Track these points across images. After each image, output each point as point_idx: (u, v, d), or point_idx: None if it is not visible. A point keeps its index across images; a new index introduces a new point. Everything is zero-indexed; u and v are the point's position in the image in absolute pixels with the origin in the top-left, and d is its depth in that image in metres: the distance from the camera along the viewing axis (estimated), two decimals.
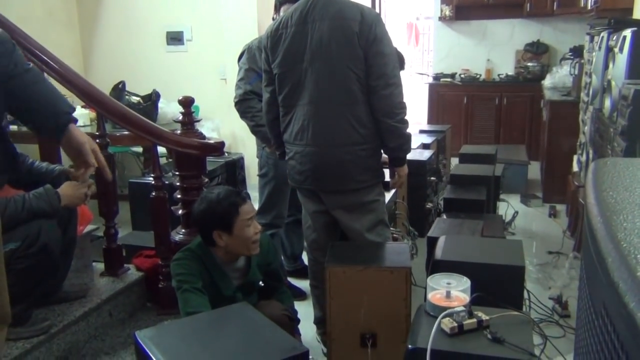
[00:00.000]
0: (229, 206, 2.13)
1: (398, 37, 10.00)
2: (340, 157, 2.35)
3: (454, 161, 5.02)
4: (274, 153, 2.83)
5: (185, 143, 2.59)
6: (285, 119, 2.47)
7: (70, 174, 2.18)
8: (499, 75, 6.93)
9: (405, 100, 2.39)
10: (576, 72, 4.92)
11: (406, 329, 2.09)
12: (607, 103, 2.92)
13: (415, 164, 3.86)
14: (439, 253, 2.18)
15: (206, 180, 2.74)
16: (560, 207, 4.72)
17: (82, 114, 4.39)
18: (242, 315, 1.78)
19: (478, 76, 6.95)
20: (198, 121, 2.78)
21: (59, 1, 5.34)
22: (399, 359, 1.62)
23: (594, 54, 3.63)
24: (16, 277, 1.90)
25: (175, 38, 5.37)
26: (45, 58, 2.54)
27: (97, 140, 2.61)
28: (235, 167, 4.29)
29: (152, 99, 4.65)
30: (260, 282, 2.40)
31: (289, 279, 3.30)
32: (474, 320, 1.62)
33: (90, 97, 2.60)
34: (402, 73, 2.56)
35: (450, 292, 1.76)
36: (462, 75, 6.95)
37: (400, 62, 3.07)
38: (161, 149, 2.89)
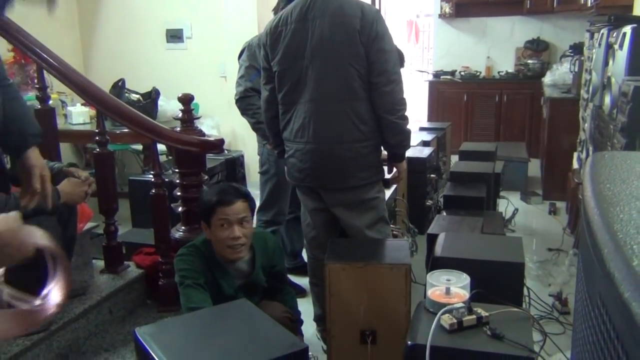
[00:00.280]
0: (210, 201, 2.16)
1: (398, 34, 9.99)
2: (342, 154, 2.35)
3: (454, 158, 5.01)
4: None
5: (185, 140, 2.60)
6: (285, 116, 2.46)
7: (68, 173, 2.19)
8: (499, 72, 6.93)
9: (405, 96, 2.39)
10: (576, 69, 4.91)
11: (406, 325, 2.09)
12: (607, 100, 2.91)
13: (415, 161, 3.87)
14: (438, 250, 2.18)
15: (206, 177, 2.74)
16: (560, 205, 4.71)
17: (82, 112, 4.39)
18: (242, 312, 1.78)
19: (478, 73, 6.95)
20: (198, 118, 2.79)
21: None
22: (399, 355, 1.62)
23: (594, 50, 3.63)
24: (15, 275, 1.90)
25: (174, 36, 5.37)
26: (45, 56, 2.54)
27: (97, 138, 2.62)
28: (235, 165, 4.30)
29: (151, 97, 4.65)
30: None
31: (289, 276, 3.30)
32: (474, 316, 1.62)
33: (90, 94, 2.60)
34: (402, 70, 2.56)
35: (449, 288, 1.77)
36: (462, 73, 6.95)
37: (400, 59, 3.07)
38: (161, 147, 2.90)
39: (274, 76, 2.45)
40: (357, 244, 2.44)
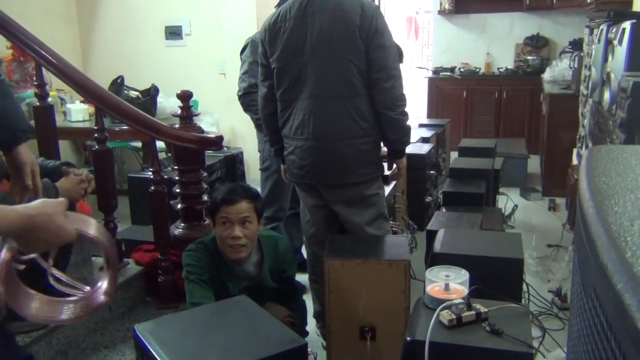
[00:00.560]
0: (216, 199, 2.20)
1: (398, 31, 9.98)
2: (342, 150, 2.35)
3: (454, 155, 5.01)
4: None
5: (184, 137, 2.59)
6: (285, 113, 2.45)
7: (66, 173, 2.18)
8: (498, 68, 6.92)
9: (405, 92, 2.39)
10: (576, 65, 4.91)
11: (405, 321, 2.09)
12: (607, 96, 2.91)
13: (415, 158, 3.86)
14: (438, 246, 2.18)
15: (205, 174, 2.74)
16: (560, 201, 4.72)
17: (81, 109, 4.39)
18: (241, 309, 1.79)
19: (478, 70, 6.94)
20: (197, 115, 2.78)
21: None
22: (398, 351, 1.62)
23: (593, 46, 3.62)
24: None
25: (173, 32, 5.36)
26: (44, 53, 2.54)
27: (96, 135, 2.62)
28: (234, 162, 4.29)
29: (150, 94, 4.65)
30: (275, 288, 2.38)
31: None
32: (473, 312, 1.62)
33: (89, 91, 2.60)
34: (401, 67, 2.56)
35: (449, 284, 1.77)
36: (462, 69, 6.94)
37: (399, 55, 3.07)
38: (160, 144, 2.89)
39: (272, 73, 2.44)
40: (356, 240, 2.44)
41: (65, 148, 4.97)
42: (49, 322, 1.90)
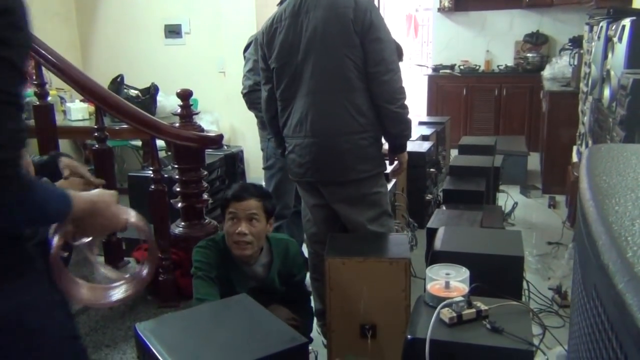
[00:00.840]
0: (227, 195, 2.23)
1: (397, 28, 9.97)
2: (340, 146, 2.34)
3: (454, 152, 5.01)
4: None
5: (184, 136, 2.59)
6: (284, 113, 2.45)
7: (71, 167, 2.17)
8: (498, 66, 6.91)
9: (404, 85, 2.38)
10: (575, 63, 4.91)
11: (406, 319, 2.09)
12: (606, 93, 2.91)
13: (415, 156, 3.86)
14: (438, 244, 2.18)
15: (205, 173, 2.74)
16: (560, 198, 4.72)
17: (81, 108, 4.39)
18: (243, 307, 1.79)
19: (477, 67, 6.93)
20: (197, 114, 2.78)
21: None
22: (399, 349, 1.62)
23: (593, 44, 3.62)
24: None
25: (173, 31, 5.36)
26: (44, 52, 2.54)
27: (96, 134, 2.62)
28: (234, 160, 4.29)
29: (150, 93, 4.64)
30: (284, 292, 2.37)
31: None
32: (473, 310, 1.62)
33: (88, 90, 2.60)
34: (401, 65, 2.55)
35: (449, 282, 1.76)
36: (462, 67, 6.94)
37: (398, 53, 3.07)
38: (160, 142, 2.89)
39: (272, 76, 2.45)
40: (356, 238, 2.44)
41: (65, 147, 4.97)
42: (100, 306, 2.11)
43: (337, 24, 2.26)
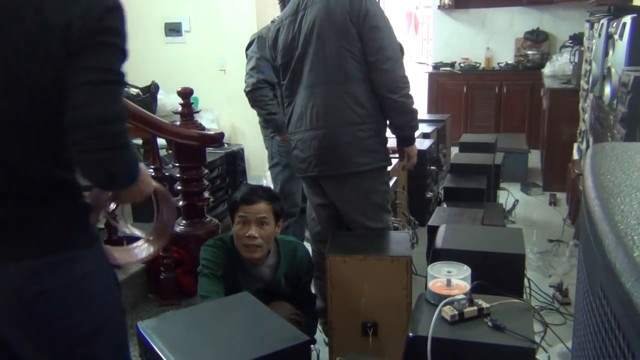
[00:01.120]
0: (236, 197, 2.21)
1: (397, 26, 9.96)
2: (339, 138, 2.31)
3: (454, 150, 5.01)
4: (284, 141, 2.85)
5: (185, 134, 2.60)
6: (288, 109, 2.46)
7: None
8: (498, 63, 6.91)
9: (407, 74, 2.35)
10: (576, 60, 4.90)
11: (407, 317, 2.10)
12: (607, 90, 2.91)
13: None
14: (439, 242, 2.18)
15: (206, 171, 2.74)
16: (561, 195, 4.72)
17: None
18: (244, 305, 1.79)
19: (478, 65, 6.93)
20: (197, 112, 2.78)
21: None
22: (400, 347, 1.62)
23: (593, 41, 3.62)
24: None
25: (173, 29, 5.35)
26: None
27: None
28: (235, 158, 4.29)
29: (151, 91, 4.64)
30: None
31: None
32: (475, 308, 1.62)
33: None
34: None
35: (450, 280, 1.77)
36: (462, 64, 6.93)
37: (400, 51, 3.07)
38: (161, 141, 2.90)
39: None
40: (357, 236, 2.44)
41: None
42: (134, 264, 2.35)
43: (333, 16, 2.25)
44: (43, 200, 1.16)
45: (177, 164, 2.67)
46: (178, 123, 2.67)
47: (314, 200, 2.56)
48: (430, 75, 6.97)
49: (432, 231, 2.50)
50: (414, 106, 2.37)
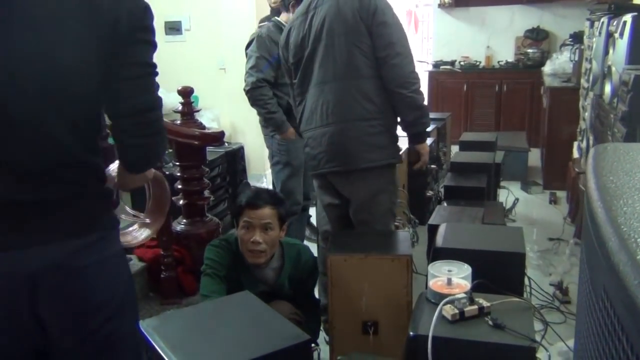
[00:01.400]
0: (240, 202, 2.20)
1: None
2: (347, 133, 2.31)
3: (454, 149, 5.01)
4: (285, 139, 2.86)
5: (185, 133, 2.60)
6: (300, 108, 2.47)
7: None
8: (498, 62, 6.90)
9: (417, 70, 2.35)
10: (576, 58, 4.90)
11: (408, 316, 2.10)
12: (608, 89, 2.91)
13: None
14: (439, 240, 2.18)
15: (206, 170, 2.74)
16: (561, 194, 4.72)
17: None
18: (245, 304, 1.79)
19: (478, 63, 6.93)
20: (197, 111, 2.78)
21: None
22: (401, 346, 1.62)
23: (594, 39, 3.62)
24: None
25: (173, 28, 5.34)
26: None
27: None
28: (235, 157, 4.29)
29: None
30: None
31: None
32: (475, 306, 1.63)
33: None
34: None
35: (451, 279, 1.77)
36: (462, 63, 6.93)
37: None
38: None
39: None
40: (358, 235, 2.44)
41: None
42: (134, 245, 2.37)
43: (343, 14, 2.27)
44: (82, 183, 1.24)
45: (177, 163, 2.67)
46: (178, 122, 2.67)
47: (324, 199, 2.56)
48: (431, 73, 6.97)
49: (433, 230, 2.51)
50: (425, 102, 2.38)
